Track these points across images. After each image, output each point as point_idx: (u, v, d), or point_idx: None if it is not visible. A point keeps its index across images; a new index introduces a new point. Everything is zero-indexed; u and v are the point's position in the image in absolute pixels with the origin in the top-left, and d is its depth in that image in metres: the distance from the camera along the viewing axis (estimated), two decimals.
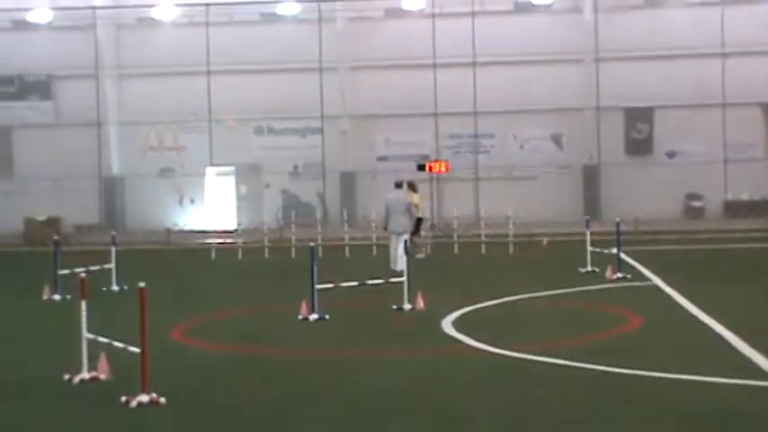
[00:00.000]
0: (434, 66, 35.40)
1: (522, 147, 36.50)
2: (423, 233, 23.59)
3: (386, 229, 20.50)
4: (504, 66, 35.62)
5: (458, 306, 14.52)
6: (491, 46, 35.28)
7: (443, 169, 33.11)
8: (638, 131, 36.18)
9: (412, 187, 22.72)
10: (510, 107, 35.60)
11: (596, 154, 35.86)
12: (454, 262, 23.60)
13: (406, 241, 15.72)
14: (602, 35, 35.51)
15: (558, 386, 9.30)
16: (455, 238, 26.29)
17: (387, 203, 20.43)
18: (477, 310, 14.55)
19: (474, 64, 35.46)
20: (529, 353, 10.77)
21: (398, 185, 20.91)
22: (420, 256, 22.93)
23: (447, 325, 13.02)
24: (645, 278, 18.01)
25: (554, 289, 16.72)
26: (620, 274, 18.09)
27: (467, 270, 21.52)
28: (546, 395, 8.92)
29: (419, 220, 21.70)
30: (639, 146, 36.22)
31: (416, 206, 21.63)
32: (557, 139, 36.50)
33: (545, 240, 27.23)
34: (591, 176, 35.89)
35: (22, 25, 37.44)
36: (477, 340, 11.70)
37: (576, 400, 8.70)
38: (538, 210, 33.20)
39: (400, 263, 18.49)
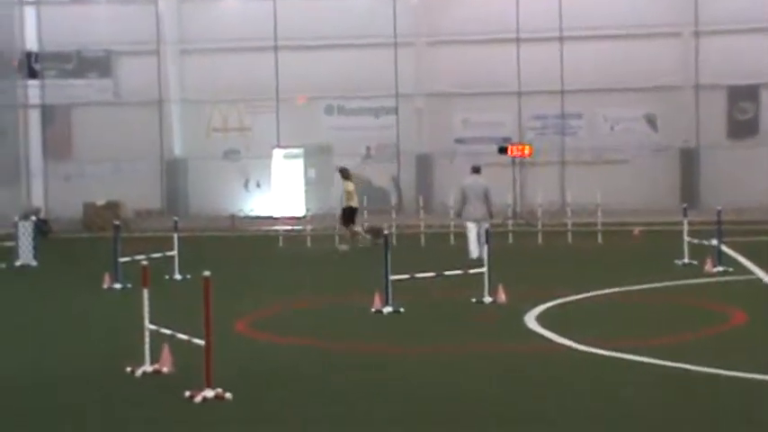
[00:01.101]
0: (518, 40, 35.15)
1: (612, 128, 36.08)
2: (356, 226, 24.33)
3: (459, 216, 20.83)
4: (594, 40, 35.19)
5: (542, 300, 14.47)
6: (579, 19, 34.86)
7: (526, 153, 33.09)
8: (742, 111, 35.50)
9: (345, 175, 24.27)
10: (600, 85, 35.19)
11: (695, 136, 35.29)
12: (538, 252, 23.49)
13: (487, 230, 15.70)
14: (702, 6, 34.87)
15: (649, 387, 9.24)
16: (539, 227, 26.15)
17: (463, 189, 20.70)
18: (562, 304, 14.49)
19: (561, 38, 35.11)
20: (618, 351, 10.70)
21: (476, 170, 21.09)
22: (345, 248, 23.70)
23: (530, 320, 13.00)
24: (748, 272, 17.72)
25: (647, 283, 16.54)
26: (720, 268, 17.82)
27: (552, 261, 21.41)
28: (636, 397, 8.87)
29: (352, 210, 23.86)
30: (743, 127, 35.55)
31: (350, 194, 23.69)
32: (651, 120, 36.00)
33: (637, 230, 26.94)
34: (688, 161, 35.34)
35: None
36: (563, 336, 11.67)
37: (668, 404, 8.63)
38: (629, 197, 32.83)
39: (478, 251, 19.34)
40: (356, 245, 23.88)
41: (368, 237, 23.93)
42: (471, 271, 14.97)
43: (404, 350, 11.53)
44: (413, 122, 36.44)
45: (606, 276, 17.49)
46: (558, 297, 14.85)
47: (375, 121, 36.99)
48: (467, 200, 20.40)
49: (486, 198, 20.39)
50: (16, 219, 22.62)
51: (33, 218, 23.57)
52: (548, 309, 13.93)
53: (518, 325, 12.71)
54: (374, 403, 8.90)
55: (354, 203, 24.18)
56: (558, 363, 10.56)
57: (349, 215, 24.09)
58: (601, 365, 10.30)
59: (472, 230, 20.26)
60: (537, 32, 35.03)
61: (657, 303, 14.78)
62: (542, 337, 11.92)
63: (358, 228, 24.33)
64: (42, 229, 26.92)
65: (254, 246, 27.05)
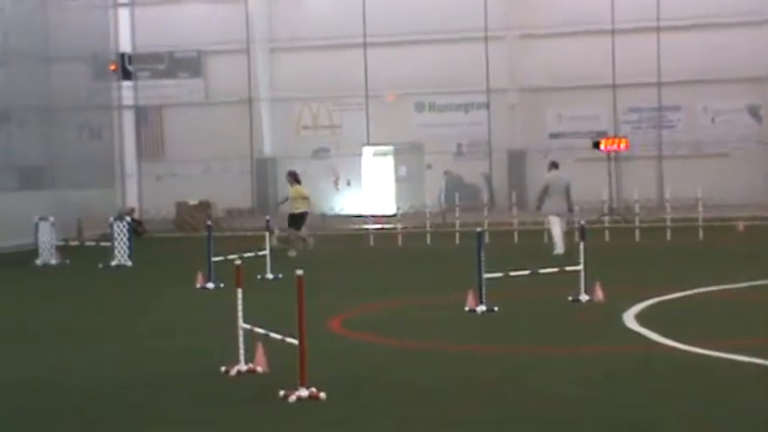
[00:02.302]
0: (613, 32, 34.69)
1: (713, 120, 35.39)
2: (305, 230, 23.70)
3: (538, 209, 21.94)
4: (692, 30, 34.54)
5: (641, 298, 14.24)
6: (677, 8, 34.26)
7: (622, 146, 32.67)
8: None
9: (295, 179, 23.56)
10: (699, 76, 34.53)
11: None
12: (636, 249, 23.16)
13: (582, 227, 15.51)
14: None
15: (759, 389, 9.01)
16: (636, 224, 25.76)
17: (548, 183, 21.59)
18: (663, 302, 14.24)
19: (658, 29, 34.54)
20: (724, 351, 10.46)
21: (555, 165, 22.01)
22: (293, 254, 22.61)
23: (629, 318, 12.79)
24: None
25: (752, 280, 16.15)
26: None
27: (650, 258, 21.08)
28: (749, 399, 8.65)
29: (295, 216, 23.20)
30: None
31: (306, 199, 23.32)
32: (754, 112, 35.20)
33: (741, 225, 26.38)
34: None
35: None
36: (665, 336, 11.45)
37: None
38: (732, 191, 32.14)
39: (560, 245, 20.57)
40: (294, 248, 22.98)
41: (310, 242, 23.51)
42: (567, 268, 14.79)
43: (498, 350, 11.44)
44: (505, 118, 36.22)
45: (708, 273, 17.14)
46: (658, 295, 14.60)
47: (466, 117, 36.86)
48: (549, 194, 21.33)
49: (567, 193, 21.31)
50: (112, 219, 23.11)
51: (128, 218, 24.04)
52: (647, 307, 13.70)
53: (617, 324, 12.52)
54: (468, 405, 8.84)
55: (299, 209, 23.28)
56: (660, 364, 10.35)
57: (292, 221, 23.35)
58: (706, 366, 10.08)
59: (557, 224, 21.07)
60: (633, 23, 34.52)
61: (764, 301, 14.42)
62: (643, 336, 11.71)
63: (303, 233, 23.49)
64: (136, 229, 27.45)
65: (345, 244, 27.18)
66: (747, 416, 8.16)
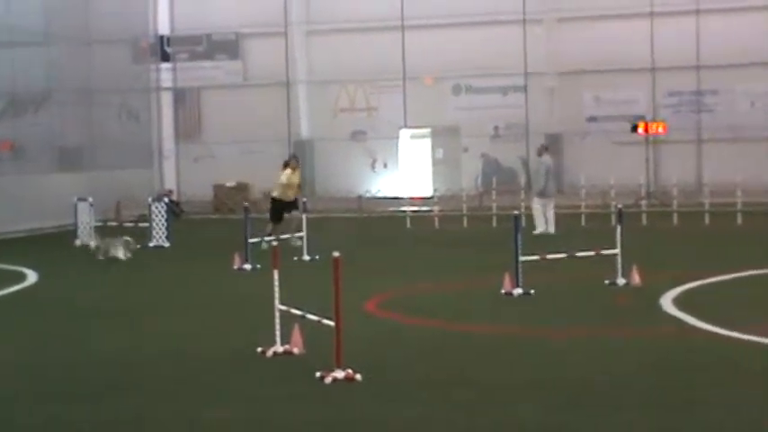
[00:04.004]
0: (651, 14, 34.34)
1: (752, 104, 34.96)
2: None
3: (543, 194, 22.84)
4: (732, 12, 34.12)
5: (678, 282, 14.14)
6: None
7: (661, 130, 32.39)
8: None
9: (297, 163, 22.34)
10: (739, 60, 34.08)
11: None
12: (673, 234, 22.99)
13: (620, 210, 15.37)
14: None
15: None
16: (674, 208, 25.55)
17: (547, 168, 23.06)
18: (700, 286, 14.14)
19: (697, 12, 34.15)
20: (763, 335, 10.36)
21: (546, 149, 24.03)
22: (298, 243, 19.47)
23: (667, 302, 12.71)
24: None
25: None
26: None
27: (688, 243, 20.93)
28: None
29: (276, 203, 21.23)
30: None
31: (299, 187, 21.79)
32: None
33: None
34: None
35: None
36: (702, 320, 11.37)
37: None
38: None
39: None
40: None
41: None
42: (604, 252, 14.69)
43: (535, 333, 11.41)
44: (542, 101, 36.00)
45: (747, 258, 16.97)
46: (696, 279, 14.49)
47: (503, 99, 36.66)
48: (549, 178, 22.90)
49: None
50: (150, 201, 23.24)
51: (166, 200, 24.16)
52: (685, 291, 13.60)
53: (654, 308, 12.44)
54: (507, 387, 8.82)
55: (282, 196, 21.07)
56: (699, 348, 10.29)
57: (282, 208, 20.99)
58: (743, 351, 9.99)
59: (550, 206, 22.82)
60: (672, 5, 34.16)
61: None
62: (680, 320, 11.63)
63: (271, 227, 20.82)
64: (174, 210, 27.59)
65: (382, 227, 27.17)
66: None
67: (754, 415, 7.74)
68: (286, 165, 21.70)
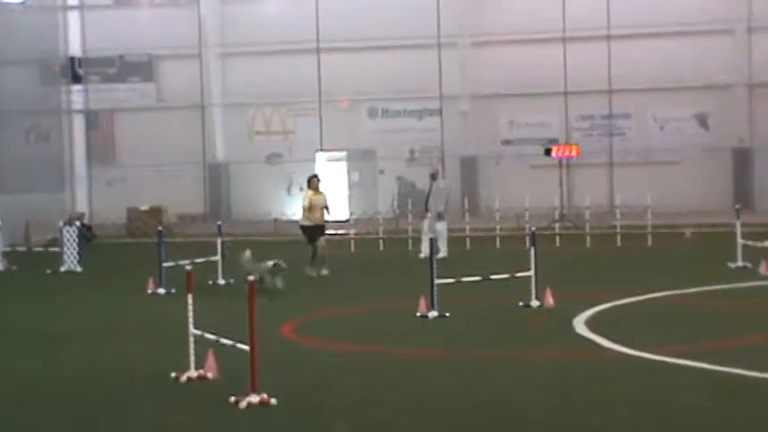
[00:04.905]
0: (564, 40, 34.92)
1: (662, 128, 35.74)
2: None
3: (440, 217, 22.69)
4: (642, 38, 34.88)
5: (591, 303, 14.38)
6: (627, 16, 34.56)
7: (573, 153, 32.93)
8: None
9: (312, 184, 20.31)
10: (649, 84, 34.88)
11: (748, 136, 34.88)
12: (586, 255, 23.35)
13: (533, 232, 15.61)
14: (755, 0, 34.46)
15: (706, 394, 9.14)
16: (587, 230, 25.98)
17: (448, 192, 23.87)
18: (612, 308, 14.38)
19: (608, 37, 34.83)
20: (672, 356, 10.60)
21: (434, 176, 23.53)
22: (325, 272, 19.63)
23: (579, 324, 12.91)
24: None
25: (699, 286, 16.39)
26: None
27: (600, 264, 21.28)
28: (693, 404, 8.78)
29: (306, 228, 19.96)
30: None
31: (326, 208, 20.01)
32: (702, 120, 35.61)
33: (689, 232, 26.68)
34: (742, 161, 34.90)
35: (122, 2, 38.48)
36: (614, 341, 11.57)
37: (728, 411, 8.53)
38: (680, 198, 32.47)
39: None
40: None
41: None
42: (518, 274, 14.88)
43: (449, 355, 11.49)
44: (457, 124, 36.32)
45: (657, 280, 17.32)
46: (608, 301, 14.73)
47: (419, 123, 36.94)
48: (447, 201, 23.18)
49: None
50: (61, 224, 22.87)
51: (78, 223, 23.81)
52: (597, 313, 13.84)
53: (567, 330, 12.63)
54: (421, 410, 8.87)
55: (307, 220, 19.77)
56: (610, 369, 10.47)
57: (308, 235, 19.75)
58: (654, 372, 10.20)
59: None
60: (584, 31, 34.74)
61: (710, 307, 14.62)
62: (592, 342, 11.82)
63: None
64: (86, 234, 27.20)
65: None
66: (688, 420, 8.28)
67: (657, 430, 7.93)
68: (309, 185, 20.17)
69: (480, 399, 9.17)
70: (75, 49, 38.06)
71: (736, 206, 21.18)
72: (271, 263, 16.75)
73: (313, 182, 19.89)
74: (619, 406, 8.78)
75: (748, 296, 15.48)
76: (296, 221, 33.96)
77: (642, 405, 8.81)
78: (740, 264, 18.74)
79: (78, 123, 38.55)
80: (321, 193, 19.80)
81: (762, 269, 17.74)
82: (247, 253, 16.94)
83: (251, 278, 9.28)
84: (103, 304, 16.86)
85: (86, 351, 12.29)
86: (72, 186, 37.54)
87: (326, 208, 19.74)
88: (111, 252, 28.15)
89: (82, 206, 36.85)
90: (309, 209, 19.42)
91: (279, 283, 16.64)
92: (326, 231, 19.72)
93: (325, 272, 19.37)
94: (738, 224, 19.29)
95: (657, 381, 9.79)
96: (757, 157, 34.76)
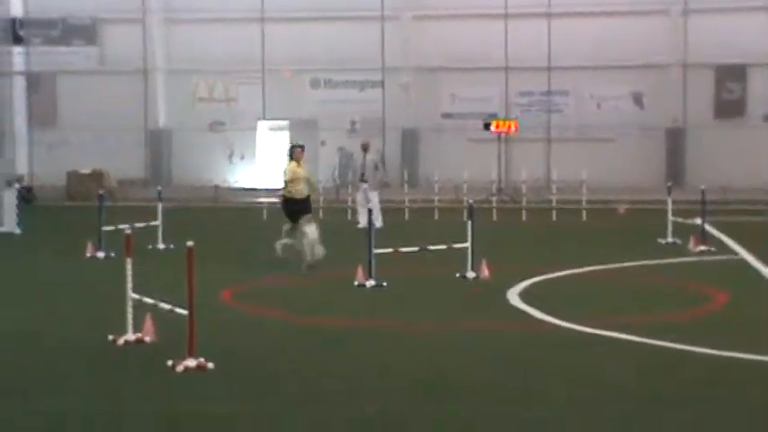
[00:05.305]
0: (506, 16, 35.03)
1: (599, 106, 36.07)
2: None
3: (375, 188, 22.82)
4: (582, 17, 35.10)
5: (525, 276, 14.50)
6: None
7: (512, 129, 33.10)
8: (730, 91, 35.49)
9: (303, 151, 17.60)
10: (587, 63, 35.13)
11: (681, 115, 35.33)
12: (522, 229, 23.52)
13: (471, 205, 15.67)
14: None
15: (632, 365, 9.28)
16: (523, 204, 26.17)
17: (377, 163, 23.66)
18: (545, 280, 14.52)
19: (549, 15, 35.02)
20: (601, 328, 10.73)
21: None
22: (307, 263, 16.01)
23: (513, 296, 13.02)
24: (732, 252, 17.78)
25: (630, 261, 16.60)
26: (704, 247, 17.89)
27: (535, 238, 21.45)
28: (620, 374, 8.91)
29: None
30: (731, 107, 35.56)
31: (308, 180, 17.52)
32: (638, 99, 36.00)
33: (622, 208, 26.99)
34: (675, 140, 35.39)
35: None
36: (546, 313, 11.69)
37: (651, 381, 8.67)
38: (615, 175, 32.86)
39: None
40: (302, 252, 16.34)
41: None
42: (456, 246, 14.96)
43: (384, 324, 11.53)
44: (399, 96, 36.32)
45: (590, 254, 17.52)
46: (542, 274, 14.87)
47: (361, 94, 36.87)
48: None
49: None
50: None
51: (17, 185, 23.42)
52: (531, 285, 13.96)
53: (501, 301, 12.72)
54: (354, 379, 8.89)
55: (290, 193, 17.08)
56: (541, 340, 10.57)
57: (298, 209, 16.94)
58: (584, 343, 10.32)
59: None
60: (525, 8, 34.93)
61: (641, 282, 14.82)
62: (525, 313, 11.93)
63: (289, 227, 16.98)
64: (26, 196, 26.80)
65: (239, 217, 26.99)
66: (614, 389, 8.40)
67: (585, 405, 8.02)
68: (291, 156, 17.43)
69: (410, 368, 9.20)
70: (17, 9, 37.40)
71: (668, 184, 21.46)
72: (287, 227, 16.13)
73: (296, 152, 17.33)
74: (549, 375, 8.87)
75: (676, 272, 15.72)
76: (237, 189, 34.06)
77: (571, 374, 8.91)
78: (670, 240, 19.02)
79: (19, 85, 37.93)
80: (303, 164, 17.29)
81: (690, 245, 18.03)
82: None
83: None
84: (41, 267, 16.66)
85: (22, 313, 12.13)
86: (12, 149, 36.90)
87: (308, 181, 17.44)
88: (50, 215, 27.77)
89: (22, 168, 36.26)
90: (291, 181, 16.94)
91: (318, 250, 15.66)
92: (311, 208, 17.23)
93: (307, 265, 15.85)
94: (669, 201, 19.55)
95: (586, 352, 9.92)
96: (689, 137, 35.25)
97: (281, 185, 17.29)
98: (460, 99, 36.47)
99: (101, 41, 37.77)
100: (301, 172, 17.15)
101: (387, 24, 35.74)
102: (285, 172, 17.19)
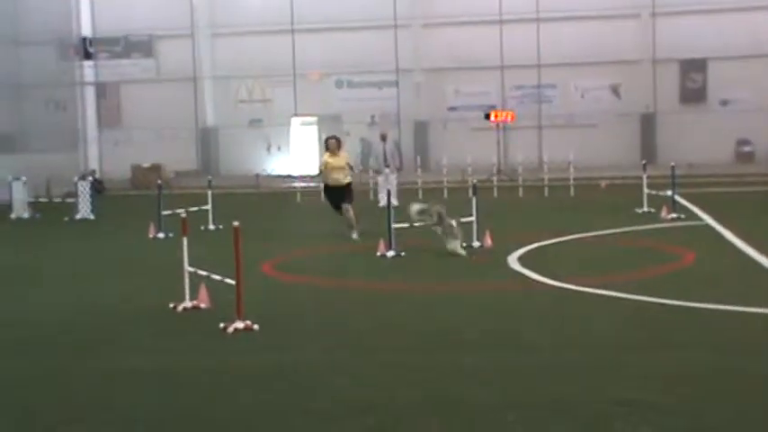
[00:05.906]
0: (501, 22, 34.85)
1: (582, 96, 35.87)
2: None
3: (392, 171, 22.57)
4: (566, 21, 34.91)
5: (522, 244, 14.43)
6: (554, 2, 34.59)
7: (509, 118, 32.93)
8: (693, 81, 35.23)
9: (333, 145, 16.32)
10: (571, 60, 34.94)
11: (653, 103, 35.08)
12: (519, 204, 23.43)
13: (475, 184, 15.61)
14: None
15: (614, 316, 9.23)
16: (520, 182, 26.04)
17: (393, 150, 23.57)
18: (540, 247, 14.45)
19: (538, 20, 34.81)
20: (588, 286, 10.67)
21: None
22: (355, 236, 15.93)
23: (513, 261, 12.96)
24: (698, 218, 17.66)
25: (612, 228, 16.50)
26: (674, 215, 17.77)
27: (531, 211, 21.36)
28: (604, 324, 8.86)
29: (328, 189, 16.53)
30: (693, 95, 35.33)
31: (347, 167, 16.43)
32: (615, 90, 35.77)
33: (604, 183, 26.85)
34: (647, 124, 35.18)
35: None
36: (541, 274, 11.63)
37: (629, 329, 8.63)
38: (597, 155, 32.71)
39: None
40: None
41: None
42: (463, 220, 14.89)
43: (405, 288, 11.50)
44: (411, 94, 36.29)
45: (577, 223, 17.42)
46: (537, 241, 14.81)
47: (379, 92, 36.80)
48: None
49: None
50: (76, 179, 22.60)
51: (90, 178, 23.52)
52: (528, 251, 13.89)
53: (503, 266, 12.67)
54: (382, 334, 8.88)
55: (326, 180, 16.27)
56: (537, 297, 10.52)
57: (329, 196, 16.35)
58: (574, 299, 10.27)
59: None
60: (517, 14, 34.80)
61: (621, 246, 14.73)
62: (523, 275, 11.87)
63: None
64: (97, 187, 26.86)
65: (276, 200, 27.00)
66: (603, 336, 8.35)
67: (574, 351, 7.98)
68: (326, 147, 16.17)
69: (429, 325, 9.17)
70: (86, 30, 37.59)
71: (643, 161, 21.33)
72: (417, 207, 14.03)
73: (330, 143, 16.06)
74: (545, 328, 8.83)
75: (652, 236, 15.62)
76: (275, 176, 34.05)
77: (563, 325, 8.87)
78: (645, 209, 18.89)
79: (90, 94, 38.19)
80: (339, 155, 15.99)
81: (663, 214, 17.91)
82: (416, 206, 14.21)
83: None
84: (112, 246, 16.72)
85: (97, 286, 12.17)
86: (85, 147, 37.20)
87: (350, 167, 16.19)
88: (118, 202, 27.87)
89: (93, 164, 36.57)
90: (323, 171, 16.08)
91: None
92: (352, 195, 16.00)
93: (354, 236, 15.66)
94: (644, 176, 19.41)
95: (575, 306, 9.87)
96: (659, 121, 35.06)
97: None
98: (463, 94, 36.34)
99: (156, 54, 37.85)
100: (333, 162, 15.97)
101: (400, 32, 35.64)
102: (320, 164, 16.53)
